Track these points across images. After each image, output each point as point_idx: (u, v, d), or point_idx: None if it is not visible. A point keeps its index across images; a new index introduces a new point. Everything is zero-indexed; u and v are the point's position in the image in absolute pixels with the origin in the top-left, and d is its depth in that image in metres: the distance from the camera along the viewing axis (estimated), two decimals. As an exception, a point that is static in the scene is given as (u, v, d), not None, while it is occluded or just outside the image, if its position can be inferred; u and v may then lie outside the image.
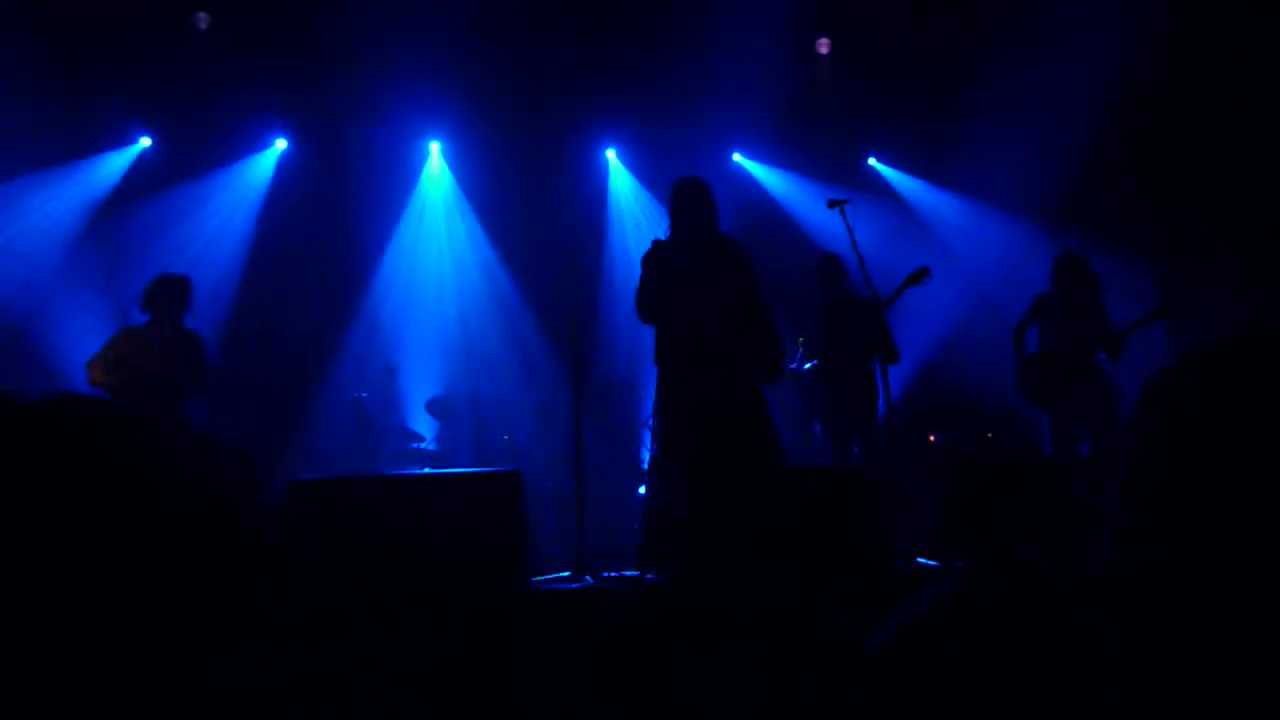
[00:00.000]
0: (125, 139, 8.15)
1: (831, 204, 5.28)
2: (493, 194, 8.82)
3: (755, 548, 3.97)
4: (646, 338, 8.62)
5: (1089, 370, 5.79)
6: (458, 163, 8.92)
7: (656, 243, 4.63)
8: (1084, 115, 7.33)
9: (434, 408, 7.80)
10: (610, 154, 9.10)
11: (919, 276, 5.78)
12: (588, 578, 5.06)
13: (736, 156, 9.07)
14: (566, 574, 5.22)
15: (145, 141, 8.21)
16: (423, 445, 7.39)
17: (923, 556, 4.76)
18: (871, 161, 9.08)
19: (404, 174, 8.79)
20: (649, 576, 4.88)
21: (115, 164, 8.17)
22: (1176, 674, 0.62)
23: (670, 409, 4.44)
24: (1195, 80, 6.91)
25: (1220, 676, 0.61)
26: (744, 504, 4.13)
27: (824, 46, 8.35)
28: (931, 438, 7.21)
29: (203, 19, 7.65)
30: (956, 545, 4.43)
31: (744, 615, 3.59)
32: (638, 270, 4.59)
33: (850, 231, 5.12)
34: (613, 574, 5.31)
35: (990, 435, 7.23)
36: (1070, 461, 5.54)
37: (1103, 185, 7.62)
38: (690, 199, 4.59)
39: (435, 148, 8.86)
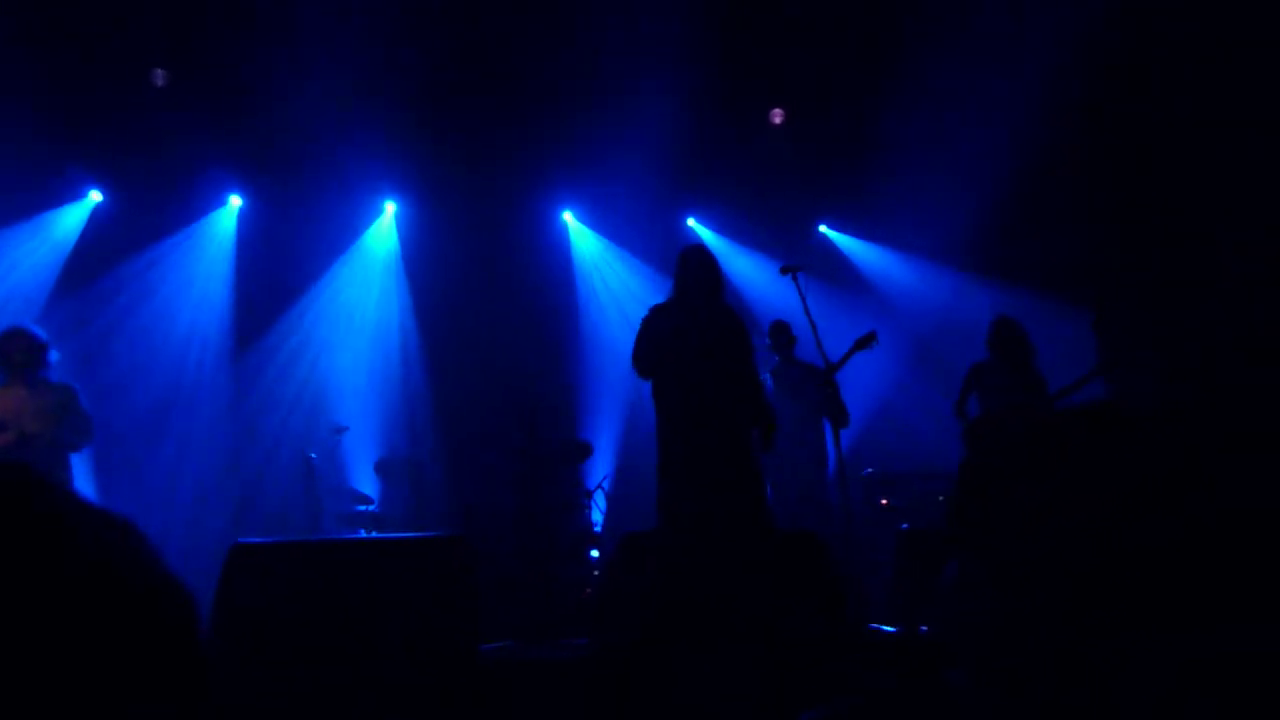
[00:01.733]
0: (76, 193, 8.04)
1: (784, 270, 5.34)
2: (446, 254, 8.83)
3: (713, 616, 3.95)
4: (604, 402, 8.61)
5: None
6: (413, 222, 8.90)
7: (657, 305, 4.73)
8: (1019, 166, 7.56)
9: (382, 469, 7.70)
10: (568, 216, 9.17)
11: (867, 341, 5.85)
12: (539, 644, 4.97)
13: (691, 221, 9.19)
14: (514, 641, 5.13)
15: (96, 196, 8.11)
16: (369, 508, 7.26)
17: (876, 623, 4.75)
18: (823, 229, 9.25)
19: (357, 234, 8.77)
20: (595, 644, 4.82)
21: (67, 221, 8.05)
22: (1176, 674, 0.63)
23: (666, 466, 4.48)
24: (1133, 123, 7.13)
25: (1221, 676, 0.62)
26: (729, 561, 4.16)
27: (778, 117, 8.55)
28: (884, 501, 7.24)
29: (160, 76, 7.64)
30: (906, 610, 4.44)
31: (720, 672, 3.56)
32: (623, 328, 4.70)
33: (803, 297, 5.18)
34: (566, 640, 5.23)
35: (941, 498, 7.28)
36: None
37: (1037, 233, 7.80)
38: (697, 267, 4.73)
39: (390, 207, 8.85)
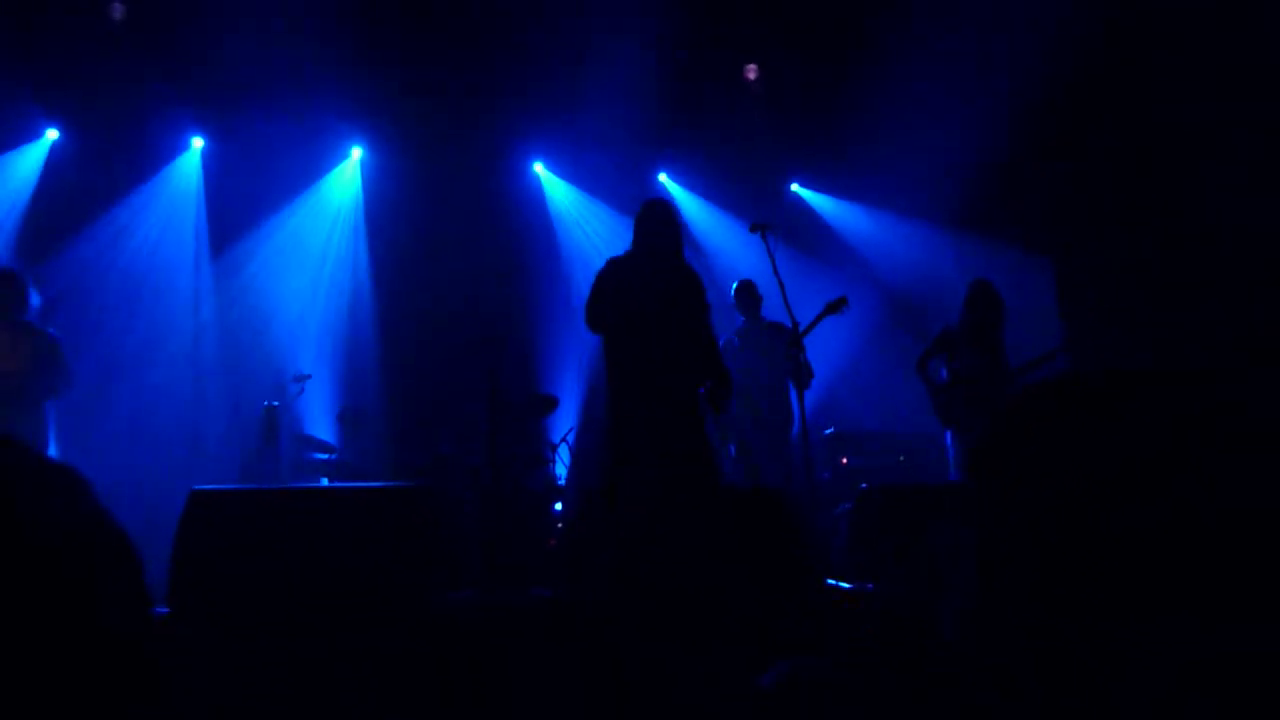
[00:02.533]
0: (31, 132, 7.82)
1: (754, 228, 5.32)
2: (412, 201, 8.72)
3: (692, 568, 3.97)
4: (569, 353, 8.58)
5: (994, 401, 5.92)
6: (379, 169, 8.77)
7: (614, 258, 4.66)
8: (998, 123, 7.53)
9: (344, 418, 7.65)
10: (538, 167, 9.08)
11: (837, 305, 5.88)
12: (502, 593, 5.00)
13: (662, 177, 9.13)
14: (477, 590, 5.16)
15: (52, 134, 7.89)
16: (331, 457, 7.23)
17: (833, 579, 4.82)
18: (795, 187, 9.23)
19: (321, 178, 8.63)
20: (558, 593, 4.85)
21: (23, 161, 7.84)
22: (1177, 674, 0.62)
23: (616, 422, 4.45)
24: (1112, 90, 7.10)
25: (1221, 676, 0.61)
26: (681, 525, 4.15)
27: (752, 72, 8.47)
28: (844, 460, 7.32)
29: (118, 9, 7.40)
30: (867, 567, 4.51)
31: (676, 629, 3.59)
32: (589, 282, 4.62)
33: (771, 256, 5.17)
34: (523, 589, 5.26)
35: (902, 459, 7.38)
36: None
37: (1014, 192, 7.77)
38: (656, 221, 4.64)
39: (356, 152, 8.70)
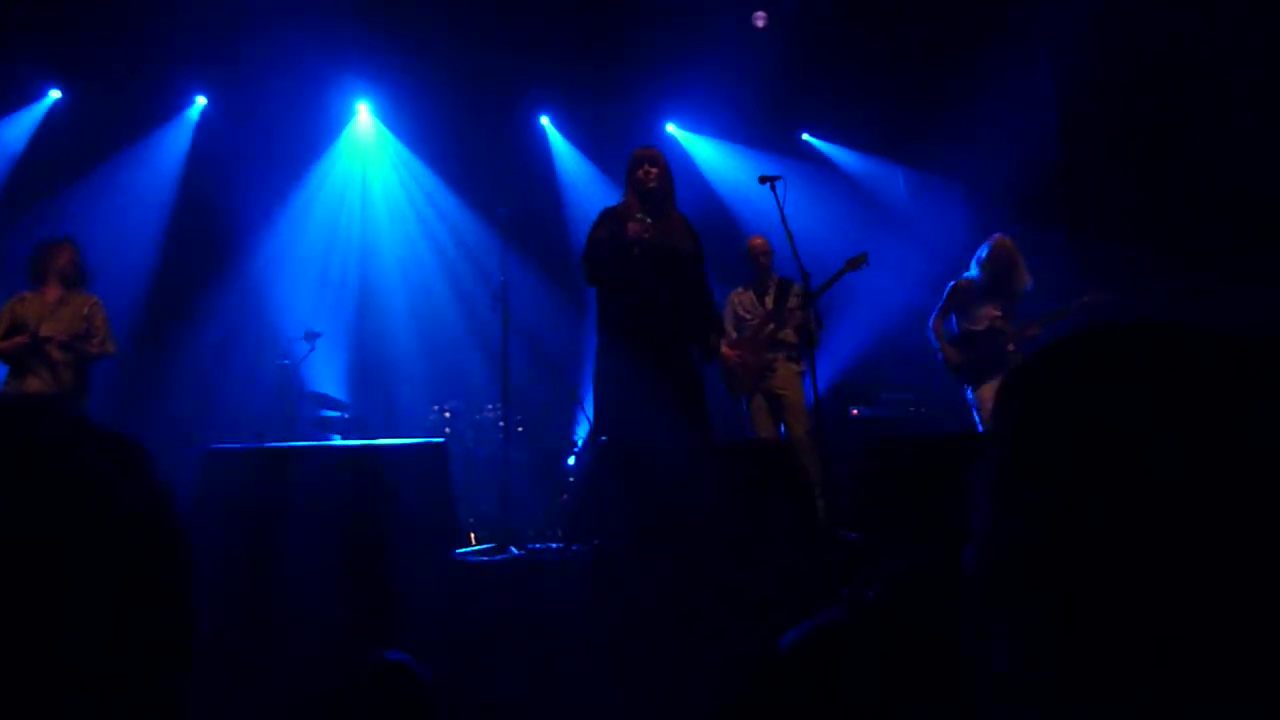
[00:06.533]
0: (34, 92, 7.79)
1: (763, 179, 5.26)
2: (420, 156, 8.68)
3: (691, 523, 3.98)
4: (585, 308, 8.59)
5: (1007, 356, 5.88)
6: (389, 123, 8.74)
7: (608, 208, 4.61)
8: (1047, 95, 7.38)
9: (357, 375, 7.69)
10: (545, 120, 9.00)
11: (857, 262, 5.84)
12: (513, 549, 5.05)
13: (670, 127, 9.03)
14: (491, 545, 5.20)
15: (55, 94, 7.86)
16: (344, 414, 7.27)
17: (842, 530, 4.84)
18: (805, 137, 9.12)
19: (329, 134, 8.58)
20: (574, 548, 4.90)
21: (23, 121, 7.82)
22: None
23: (609, 376, 4.43)
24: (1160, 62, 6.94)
25: None
26: (677, 479, 4.15)
27: (760, 20, 8.32)
28: (854, 411, 7.31)
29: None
30: (871, 517, 4.52)
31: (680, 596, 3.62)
32: (586, 233, 4.58)
33: (780, 208, 5.11)
34: (538, 545, 5.31)
35: (911, 409, 7.36)
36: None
37: (1064, 168, 7.59)
38: (646, 168, 4.56)
39: (364, 108, 8.65)
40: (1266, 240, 5.98)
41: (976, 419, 5.91)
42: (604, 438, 4.47)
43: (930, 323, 6.03)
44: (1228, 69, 6.31)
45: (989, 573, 0.66)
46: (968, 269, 6.02)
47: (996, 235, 5.97)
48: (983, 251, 5.92)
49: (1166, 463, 0.59)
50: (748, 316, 6.22)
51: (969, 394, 5.96)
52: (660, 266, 4.40)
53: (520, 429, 6.85)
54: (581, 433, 7.17)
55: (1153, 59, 6.72)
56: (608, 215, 4.55)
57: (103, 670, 0.59)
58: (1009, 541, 0.64)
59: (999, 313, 5.85)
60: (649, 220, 4.38)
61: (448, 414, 6.99)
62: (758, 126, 8.71)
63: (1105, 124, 7.20)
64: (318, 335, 6.85)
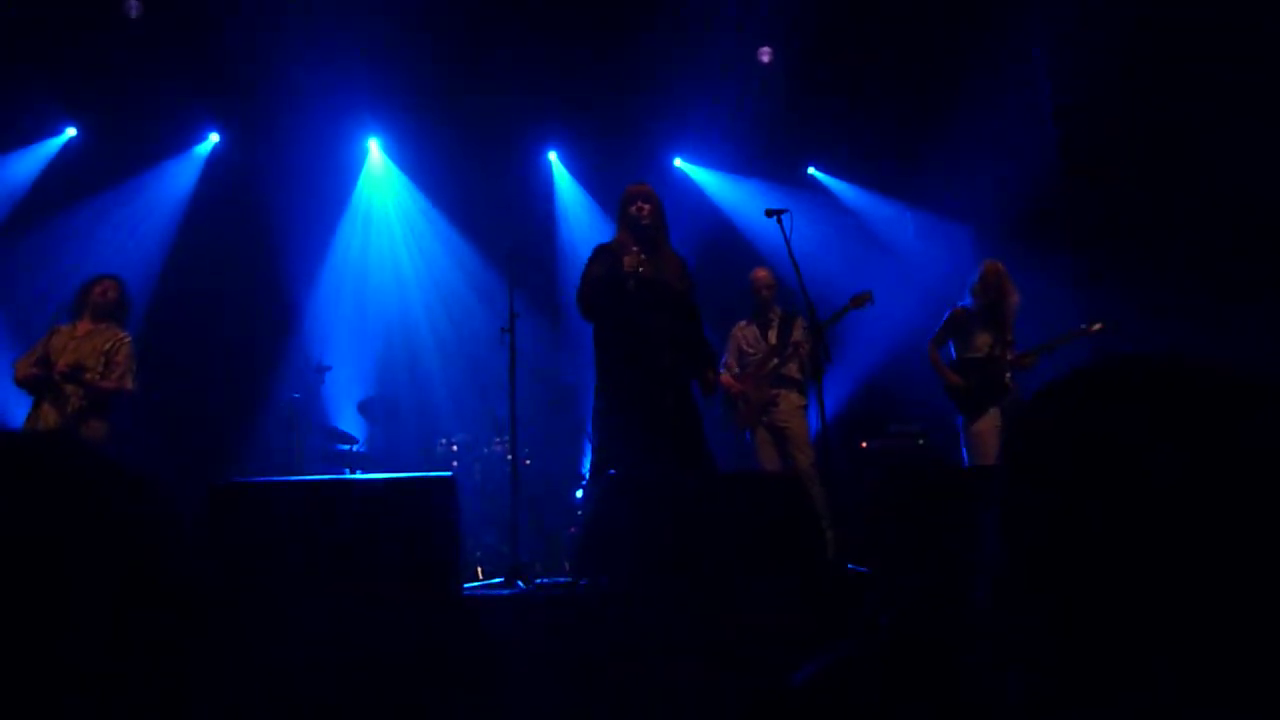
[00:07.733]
0: (50, 129, 7.90)
1: (769, 213, 5.28)
2: (429, 193, 8.76)
3: (690, 556, 3.96)
4: (590, 341, 8.60)
5: (1007, 386, 5.88)
6: (398, 159, 8.83)
7: (602, 245, 4.64)
8: (1045, 107, 7.41)
9: (366, 409, 7.69)
10: (552, 156, 9.08)
11: (862, 300, 5.86)
12: (520, 584, 5.02)
13: (678, 162, 9.10)
14: (499, 580, 5.18)
15: (71, 132, 7.97)
16: (354, 448, 7.27)
17: (852, 563, 4.81)
18: (811, 171, 9.17)
19: (337, 170, 8.66)
20: (582, 583, 4.86)
21: (39, 155, 7.93)
22: None
23: (608, 410, 4.44)
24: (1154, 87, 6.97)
25: None
26: (681, 511, 4.13)
27: (766, 56, 8.40)
28: (864, 443, 7.29)
29: (134, 6, 7.43)
30: (882, 549, 4.49)
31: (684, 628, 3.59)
32: (581, 269, 4.61)
33: (787, 241, 5.12)
34: (546, 580, 5.28)
35: (921, 441, 7.34)
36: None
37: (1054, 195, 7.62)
38: (639, 204, 4.60)
39: (374, 144, 8.74)
40: (1267, 241, 6.00)
41: (965, 454, 5.88)
42: (612, 471, 4.47)
43: (927, 347, 6.07)
44: (1227, 69, 6.33)
45: (995, 591, 0.66)
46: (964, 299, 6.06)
47: (986, 260, 6.04)
48: (973, 277, 5.98)
49: (1164, 469, 0.59)
50: (751, 351, 6.22)
51: (959, 423, 5.95)
52: (655, 300, 4.44)
53: (528, 462, 6.83)
54: (589, 466, 7.15)
55: (1151, 63, 6.77)
56: (602, 251, 4.60)
57: (103, 670, 0.60)
58: (1011, 550, 0.65)
59: (996, 340, 5.86)
60: (643, 255, 4.42)
61: (455, 447, 6.99)
62: (765, 161, 8.78)
63: (1105, 129, 7.24)
64: (327, 369, 6.87)
